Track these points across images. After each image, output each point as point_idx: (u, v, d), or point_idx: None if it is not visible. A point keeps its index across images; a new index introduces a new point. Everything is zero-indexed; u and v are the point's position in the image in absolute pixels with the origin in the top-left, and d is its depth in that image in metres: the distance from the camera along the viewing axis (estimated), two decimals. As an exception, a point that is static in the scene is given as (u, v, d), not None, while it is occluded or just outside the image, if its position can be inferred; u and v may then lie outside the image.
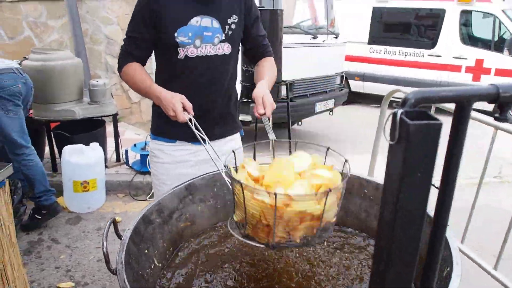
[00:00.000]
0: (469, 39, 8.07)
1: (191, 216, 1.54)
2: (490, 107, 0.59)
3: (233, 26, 1.79)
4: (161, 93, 1.65)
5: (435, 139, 0.49)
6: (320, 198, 1.02)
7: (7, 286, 1.98)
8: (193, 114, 1.60)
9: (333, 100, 6.36)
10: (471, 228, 2.52)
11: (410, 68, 8.53)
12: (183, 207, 1.52)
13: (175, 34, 1.70)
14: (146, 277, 1.24)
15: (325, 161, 1.27)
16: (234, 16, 1.80)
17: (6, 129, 3.09)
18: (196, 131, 1.54)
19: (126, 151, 4.33)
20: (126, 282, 1.01)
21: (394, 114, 0.50)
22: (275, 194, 0.98)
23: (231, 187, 1.18)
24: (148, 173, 4.13)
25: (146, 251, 1.30)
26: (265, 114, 1.58)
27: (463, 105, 0.56)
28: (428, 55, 8.31)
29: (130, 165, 4.33)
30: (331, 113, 6.48)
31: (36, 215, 3.42)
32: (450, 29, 8.02)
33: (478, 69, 7.79)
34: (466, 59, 7.91)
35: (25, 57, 3.97)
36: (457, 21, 7.94)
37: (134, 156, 4.41)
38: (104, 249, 1.10)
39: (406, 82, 8.19)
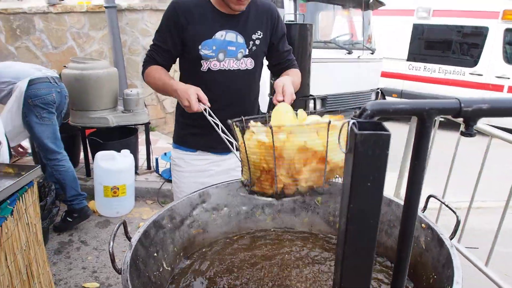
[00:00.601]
0: (513, 58, 7.79)
1: (204, 223, 1.55)
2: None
3: (257, 42, 1.81)
4: (177, 85, 1.67)
5: (384, 149, 0.48)
6: (320, 127, 0.98)
7: (32, 282, 2.06)
8: (209, 105, 1.60)
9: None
10: (499, 252, 2.42)
11: (450, 87, 8.29)
12: (196, 214, 1.53)
13: (199, 47, 1.73)
14: (154, 279, 1.26)
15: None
16: (259, 32, 1.81)
17: (39, 135, 3.24)
18: (210, 118, 1.53)
19: (157, 159, 4.43)
20: (129, 282, 1.03)
21: (348, 123, 0.50)
22: (271, 127, 0.96)
23: (237, 146, 1.17)
24: (177, 181, 4.20)
25: (155, 254, 1.32)
26: (283, 101, 1.54)
27: (423, 118, 0.54)
28: (470, 73, 8.05)
29: (160, 173, 4.41)
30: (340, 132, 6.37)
31: (67, 218, 3.54)
32: (493, 47, 7.75)
33: (521, 90, 7.49)
34: (509, 78, 7.61)
35: (65, 66, 4.16)
36: (501, 39, 7.67)
37: (164, 165, 4.50)
38: (110, 249, 1.12)
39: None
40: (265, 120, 1.22)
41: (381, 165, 0.48)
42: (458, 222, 1.09)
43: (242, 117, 1.23)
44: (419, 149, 0.55)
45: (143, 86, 5.84)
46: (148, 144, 4.42)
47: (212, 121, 1.53)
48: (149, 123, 4.35)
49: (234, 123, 1.14)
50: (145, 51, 5.88)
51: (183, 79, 1.90)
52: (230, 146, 1.43)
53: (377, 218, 0.50)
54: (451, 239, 1.09)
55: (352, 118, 0.51)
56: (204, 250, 1.51)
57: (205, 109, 1.58)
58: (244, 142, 1.05)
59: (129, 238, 1.27)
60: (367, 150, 0.47)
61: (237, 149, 1.10)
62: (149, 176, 4.44)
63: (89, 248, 3.32)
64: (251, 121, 1.19)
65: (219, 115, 1.67)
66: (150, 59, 1.84)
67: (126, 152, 3.82)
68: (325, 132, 0.97)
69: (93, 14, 5.59)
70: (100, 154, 3.73)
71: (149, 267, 1.27)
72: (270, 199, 1.08)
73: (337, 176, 1.06)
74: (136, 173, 4.16)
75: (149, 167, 4.56)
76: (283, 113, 1.12)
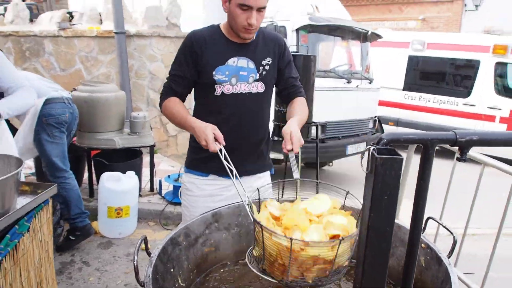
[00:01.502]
0: (504, 90, 8.02)
1: (216, 242, 1.64)
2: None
3: (267, 67, 1.95)
4: (195, 123, 1.77)
5: (398, 169, 0.61)
6: (333, 245, 1.10)
7: (40, 300, 2.11)
8: (224, 144, 1.70)
9: (365, 143, 6.41)
10: (494, 278, 2.50)
11: (444, 116, 8.51)
12: (209, 233, 1.62)
13: (214, 72, 1.86)
14: (170, 294, 1.35)
15: (343, 204, 1.36)
16: (268, 58, 1.95)
17: (49, 153, 3.33)
18: (225, 162, 1.63)
19: (160, 182, 4.52)
20: (153, 294, 1.12)
21: (369, 150, 0.62)
22: (291, 239, 1.08)
23: (253, 223, 1.27)
24: (179, 204, 4.27)
25: (172, 270, 1.40)
26: (292, 150, 1.67)
27: (427, 146, 0.68)
28: (463, 104, 8.29)
29: (163, 195, 4.49)
30: (362, 156, 6.50)
31: (70, 236, 3.57)
32: (485, 79, 8.02)
33: (512, 120, 7.71)
34: (500, 109, 7.84)
35: (74, 88, 4.28)
36: (492, 72, 7.95)
37: (167, 187, 4.59)
38: (135, 262, 1.21)
39: (440, 129, 8.15)
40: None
41: (395, 183, 0.61)
42: (454, 242, 1.20)
43: (258, 188, 1.39)
44: (424, 171, 0.67)
45: (148, 109, 5.98)
46: (152, 166, 4.51)
47: (227, 166, 1.62)
48: (154, 145, 4.46)
49: (249, 205, 1.30)
50: (151, 76, 6.08)
51: (198, 104, 2.02)
52: (241, 197, 1.51)
53: (392, 226, 0.62)
54: (448, 257, 1.20)
55: (371, 145, 0.64)
56: (215, 267, 1.60)
57: (220, 150, 1.67)
58: (262, 232, 1.16)
59: (149, 254, 1.35)
60: (384, 171, 0.60)
61: (255, 222, 1.23)
62: (152, 198, 4.52)
63: (91, 269, 3.35)
64: (268, 199, 1.35)
65: (231, 136, 1.80)
66: (168, 90, 1.96)
67: (131, 174, 3.91)
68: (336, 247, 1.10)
69: (102, 39, 5.77)
70: (106, 175, 3.81)
71: (167, 282, 1.35)
72: (278, 282, 1.19)
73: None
74: (139, 194, 4.24)
75: (152, 189, 4.64)
76: (298, 214, 1.24)
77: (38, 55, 5.86)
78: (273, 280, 1.20)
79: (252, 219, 1.26)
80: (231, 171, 1.62)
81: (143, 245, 1.32)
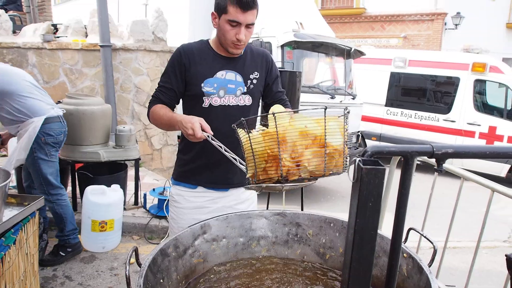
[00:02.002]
0: (483, 107, 8.27)
1: (204, 253, 1.66)
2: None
3: (254, 81, 2.02)
4: (181, 116, 1.82)
5: (381, 178, 0.67)
6: (319, 117, 1.12)
7: (24, 313, 2.09)
8: (212, 133, 1.74)
9: (348, 157, 6.50)
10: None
11: (425, 131, 8.72)
12: (197, 244, 1.65)
13: (202, 84, 1.92)
14: (159, 305, 1.37)
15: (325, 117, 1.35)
16: (256, 73, 2.02)
17: (45, 172, 3.33)
18: (214, 143, 1.69)
19: (145, 195, 4.51)
20: (143, 304, 1.14)
21: (355, 161, 0.68)
22: (274, 114, 1.11)
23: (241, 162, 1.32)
24: (164, 217, 4.27)
25: (161, 281, 1.42)
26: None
27: (407, 158, 0.74)
28: (443, 119, 8.51)
29: (147, 208, 4.48)
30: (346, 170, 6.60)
31: (60, 252, 3.55)
32: (464, 96, 8.27)
33: (491, 136, 7.92)
34: (479, 125, 8.07)
35: (59, 101, 4.26)
36: (471, 89, 8.19)
37: (151, 200, 4.58)
38: (127, 272, 1.23)
39: (421, 144, 8.31)
40: (264, 122, 1.35)
41: (379, 190, 0.66)
42: (435, 251, 1.25)
43: (243, 119, 1.39)
44: (405, 180, 0.74)
45: (133, 122, 5.98)
46: (137, 180, 4.50)
47: (217, 145, 1.68)
48: (139, 159, 4.46)
49: (236, 126, 1.32)
50: (136, 89, 6.09)
51: (185, 114, 2.06)
52: (235, 161, 1.58)
53: (376, 230, 0.67)
54: (429, 266, 1.25)
55: (357, 157, 0.70)
56: (203, 278, 1.62)
57: (208, 136, 1.72)
58: (249, 137, 1.19)
59: (139, 264, 1.37)
60: (369, 180, 0.65)
61: (241, 163, 1.25)
62: (136, 212, 4.50)
63: (74, 283, 3.31)
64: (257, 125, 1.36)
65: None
66: (155, 99, 2.00)
67: (116, 187, 3.90)
68: (323, 120, 1.11)
69: (87, 52, 5.77)
70: (90, 188, 3.79)
71: (156, 292, 1.37)
72: (277, 185, 1.18)
73: (335, 165, 1.18)
74: (123, 208, 4.22)
75: (136, 202, 4.62)
76: (280, 108, 1.29)
77: (21, 66, 5.80)
78: (271, 184, 1.19)
79: (239, 139, 1.29)
80: (221, 147, 1.67)
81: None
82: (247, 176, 1.33)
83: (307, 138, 1.13)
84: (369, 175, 0.67)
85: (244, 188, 1.36)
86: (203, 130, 1.74)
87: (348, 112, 1.20)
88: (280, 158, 1.13)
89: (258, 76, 2.03)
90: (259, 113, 2.29)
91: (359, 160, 0.69)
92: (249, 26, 1.84)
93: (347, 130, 1.21)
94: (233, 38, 1.84)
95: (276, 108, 1.37)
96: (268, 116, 1.25)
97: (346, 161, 1.20)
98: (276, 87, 2.13)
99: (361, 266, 0.66)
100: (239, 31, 1.82)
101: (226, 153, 1.64)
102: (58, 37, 5.98)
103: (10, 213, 1.93)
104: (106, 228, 3.79)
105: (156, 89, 2.03)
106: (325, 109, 1.13)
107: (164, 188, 4.48)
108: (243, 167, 1.43)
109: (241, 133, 1.31)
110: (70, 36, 6.11)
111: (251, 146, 1.20)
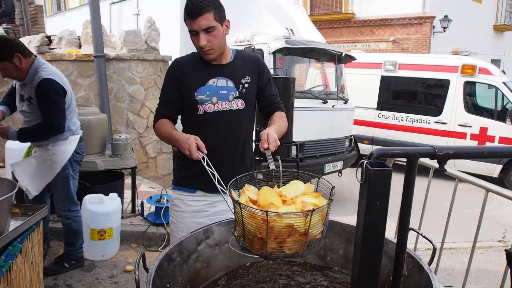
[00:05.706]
0: (474, 108, 8.40)
1: (207, 258, 1.70)
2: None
3: (246, 85, 2.08)
4: (179, 135, 1.91)
5: (388, 179, 0.73)
6: (305, 216, 1.21)
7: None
8: (206, 152, 1.82)
9: (342, 162, 6.58)
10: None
11: (417, 134, 8.81)
12: (201, 249, 1.69)
13: (195, 93, 2.00)
14: (167, 309, 1.40)
15: (316, 189, 1.47)
16: (248, 77, 2.09)
17: (71, 188, 3.39)
18: (207, 167, 1.75)
19: (142, 203, 4.52)
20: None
21: (362, 163, 0.73)
22: (266, 212, 1.19)
23: (233, 208, 1.38)
24: (162, 224, 4.28)
25: (168, 285, 1.46)
26: (268, 148, 1.78)
27: (410, 159, 0.79)
28: (435, 122, 8.61)
29: (145, 216, 4.49)
30: (339, 174, 6.67)
31: (65, 263, 3.57)
32: (455, 98, 8.37)
33: (482, 137, 8.03)
34: (470, 127, 8.18)
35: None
36: (461, 91, 8.31)
37: (149, 208, 4.59)
38: (136, 277, 1.27)
39: (414, 146, 8.39)
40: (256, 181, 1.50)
41: (386, 190, 0.71)
42: (434, 250, 1.30)
43: (237, 177, 1.49)
44: (409, 180, 0.78)
45: (127, 131, 6.00)
46: (134, 188, 4.52)
47: (210, 171, 1.74)
48: (136, 167, 4.48)
49: (230, 188, 1.40)
50: (130, 98, 6.12)
51: (183, 124, 2.15)
52: (223, 196, 1.63)
53: (384, 227, 0.72)
54: (429, 265, 1.30)
55: (364, 159, 0.75)
56: (207, 282, 1.66)
57: (203, 158, 1.79)
58: (241, 211, 1.28)
59: (146, 270, 1.41)
60: (376, 180, 0.70)
61: (234, 202, 1.34)
62: (134, 220, 4.51)
63: (75, 292, 3.34)
64: (246, 185, 1.47)
65: (216, 152, 1.92)
66: (158, 114, 2.10)
67: (114, 196, 3.92)
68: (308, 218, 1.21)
69: (81, 63, 5.80)
70: (88, 197, 3.81)
71: (163, 296, 1.41)
72: (259, 256, 1.30)
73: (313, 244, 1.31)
74: (121, 216, 4.23)
75: (133, 210, 4.63)
76: (271, 194, 1.37)
77: (15, 78, 5.82)
78: (254, 255, 1.31)
79: (232, 201, 1.35)
80: (213, 175, 1.72)
81: (128, 267, 1.38)
82: (235, 235, 1.40)
83: (292, 230, 1.24)
84: (377, 176, 0.71)
85: (230, 245, 1.47)
86: (199, 149, 1.82)
87: (332, 200, 1.31)
88: (266, 243, 1.25)
89: (250, 80, 2.09)
90: (255, 117, 2.35)
91: (367, 163, 0.74)
92: (207, 30, 1.89)
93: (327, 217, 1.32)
94: (197, 45, 1.94)
95: (266, 190, 1.44)
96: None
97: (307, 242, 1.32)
98: (269, 90, 2.18)
99: (371, 262, 0.70)
100: (199, 38, 1.90)
101: (217, 184, 1.69)
102: (52, 48, 6.00)
103: (15, 223, 1.96)
104: (105, 237, 3.81)
105: (158, 104, 2.13)
106: (312, 211, 1.20)
107: (160, 196, 4.50)
108: (230, 207, 1.51)
109: (235, 196, 1.38)
110: (64, 47, 6.13)
111: (242, 219, 1.30)
